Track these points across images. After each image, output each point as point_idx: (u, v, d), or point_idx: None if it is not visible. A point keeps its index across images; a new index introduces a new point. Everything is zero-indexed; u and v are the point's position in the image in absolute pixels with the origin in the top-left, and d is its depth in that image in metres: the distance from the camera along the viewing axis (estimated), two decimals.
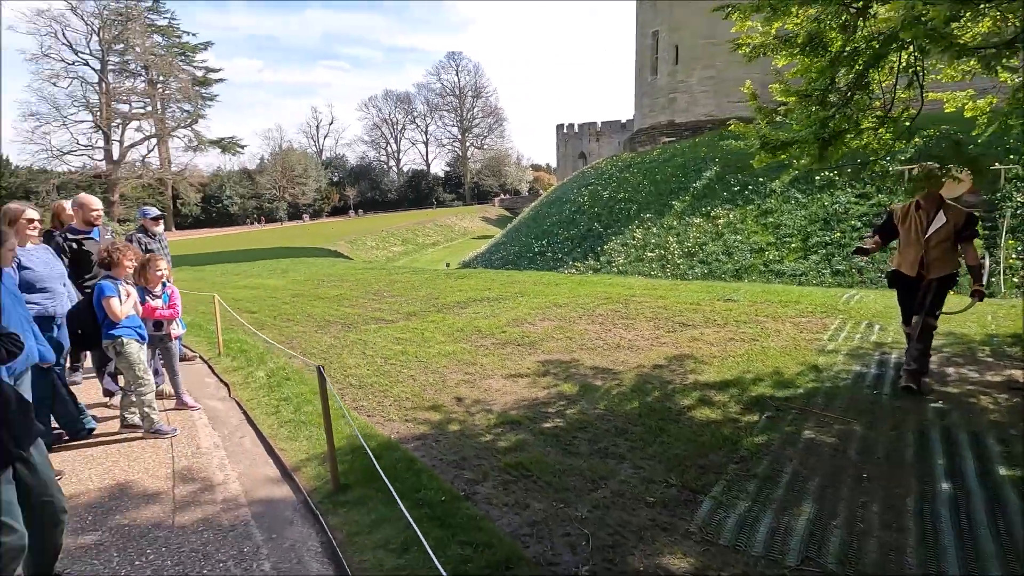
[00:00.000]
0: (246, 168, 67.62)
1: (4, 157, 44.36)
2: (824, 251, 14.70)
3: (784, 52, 4.40)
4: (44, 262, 4.07)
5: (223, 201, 61.30)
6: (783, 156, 4.49)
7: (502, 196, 76.62)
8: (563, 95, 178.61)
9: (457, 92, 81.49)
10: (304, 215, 65.00)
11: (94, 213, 4.87)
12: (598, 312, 7.37)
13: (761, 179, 18.28)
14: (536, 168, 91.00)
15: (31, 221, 4.01)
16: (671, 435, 3.68)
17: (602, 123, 55.79)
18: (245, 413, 4.60)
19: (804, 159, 4.47)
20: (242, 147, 63.76)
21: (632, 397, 4.39)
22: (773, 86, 4.86)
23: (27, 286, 3.82)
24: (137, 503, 3.23)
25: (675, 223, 18.92)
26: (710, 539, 2.59)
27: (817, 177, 16.81)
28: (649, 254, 17.88)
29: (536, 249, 22.31)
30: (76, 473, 3.63)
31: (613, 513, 2.83)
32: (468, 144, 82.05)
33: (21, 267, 3.82)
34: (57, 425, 4.06)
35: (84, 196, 4.97)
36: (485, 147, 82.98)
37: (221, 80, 61.54)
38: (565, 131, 58.38)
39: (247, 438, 4.15)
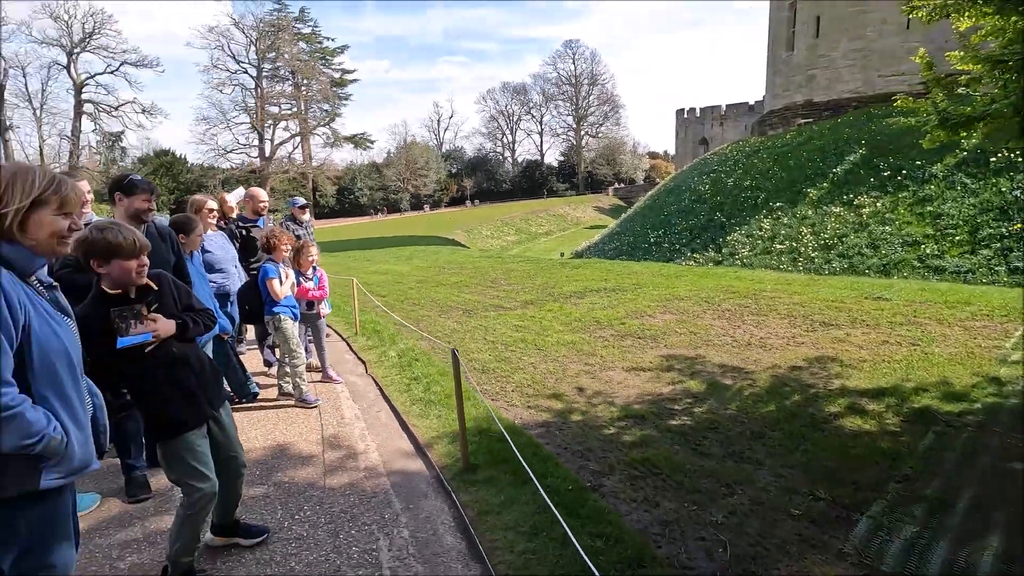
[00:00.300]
0: (374, 162, 72.55)
1: (182, 156, 51.95)
2: (999, 245, 12.52)
3: (971, 11, 3.79)
4: (220, 246, 4.68)
5: (354, 192, 66.44)
6: (965, 134, 3.88)
7: (616, 185, 74.93)
8: (684, 79, 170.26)
9: (573, 81, 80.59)
10: (425, 205, 68.49)
11: (262, 204, 5.51)
12: (724, 307, 6.96)
13: (919, 162, 16.00)
14: (653, 156, 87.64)
15: (211, 211, 4.61)
16: (816, 444, 3.37)
17: (727, 106, 52.34)
18: (380, 389, 4.96)
19: (986, 138, 3.83)
20: (371, 142, 68.81)
21: (768, 399, 4.09)
22: (951, 53, 4.21)
23: (207, 267, 4.41)
24: (294, 463, 3.61)
25: (810, 212, 17.22)
26: (870, 563, 2.33)
27: (993, 159, 14.38)
28: (778, 246, 16.45)
29: (652, 240, 21.52)
30: (244, 432, 4.12)
31: (752, 522, 2.65)
32: (583, 133, 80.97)
33: (203, 250, 4.42)
34: (228, 389, 4.65)
35: (254, 189, 5.63)
36: (600, 135, 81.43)
37: (355, 80, 66.77)
38: (685, 116, 55.56)
39: (383, 412, 4.47)
